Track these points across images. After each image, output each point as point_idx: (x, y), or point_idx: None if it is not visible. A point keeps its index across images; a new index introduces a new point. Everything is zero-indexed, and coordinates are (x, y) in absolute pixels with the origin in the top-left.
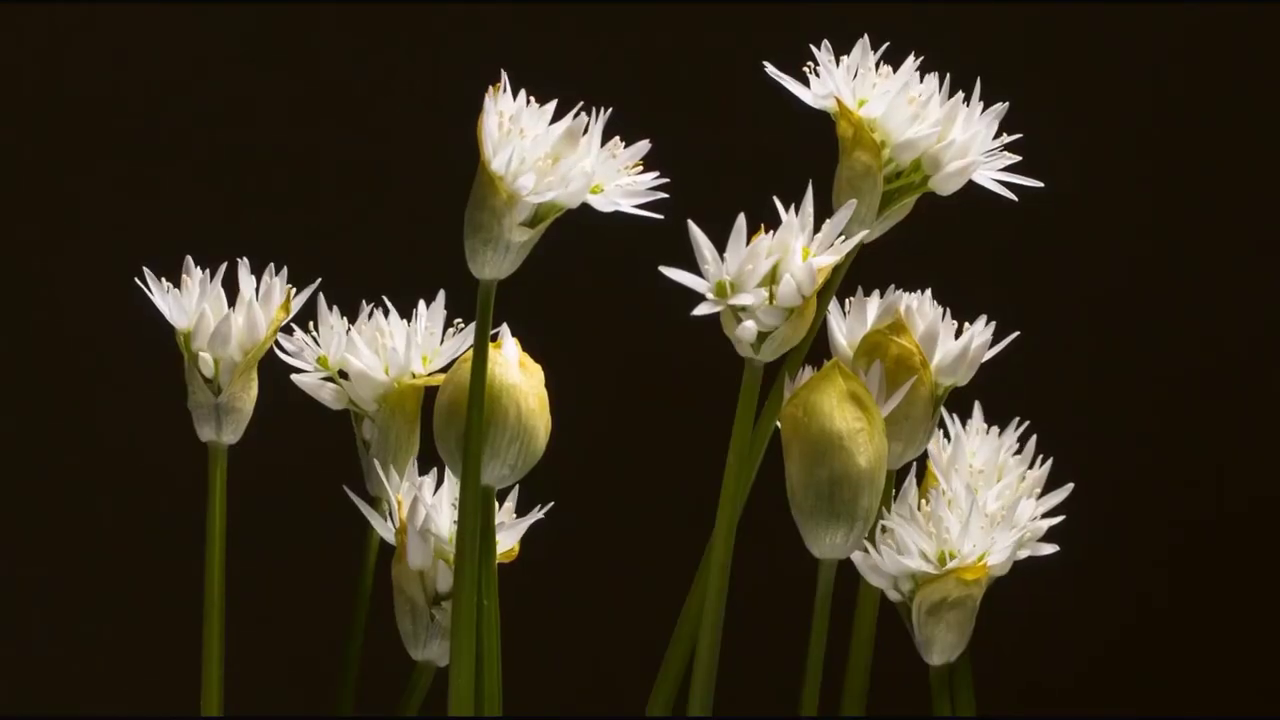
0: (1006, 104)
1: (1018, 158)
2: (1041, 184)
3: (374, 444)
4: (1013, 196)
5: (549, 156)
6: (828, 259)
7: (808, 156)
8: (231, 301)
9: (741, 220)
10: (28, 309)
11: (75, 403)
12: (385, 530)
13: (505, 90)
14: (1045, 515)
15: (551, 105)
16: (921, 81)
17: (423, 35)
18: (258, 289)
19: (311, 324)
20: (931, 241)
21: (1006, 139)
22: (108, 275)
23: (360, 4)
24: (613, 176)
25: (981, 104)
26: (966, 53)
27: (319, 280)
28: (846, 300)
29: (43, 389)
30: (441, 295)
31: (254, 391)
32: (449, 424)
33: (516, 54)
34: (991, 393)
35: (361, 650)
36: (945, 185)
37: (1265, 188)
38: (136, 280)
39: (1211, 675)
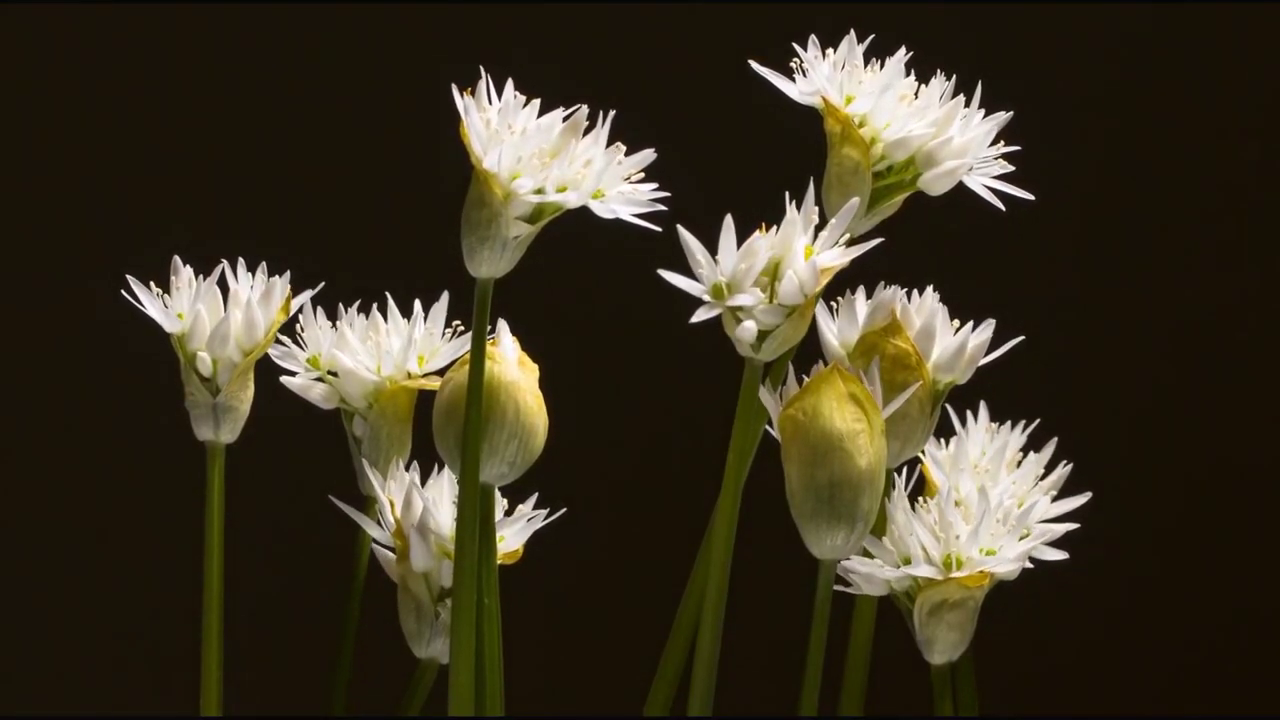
0: (1010, 114)
1: (1011, 167)
2: (1032, 197)
3: (365, 443)
4: (1000, 205)
5: (546, 152)
6: (833, 259)
7: (799, 153)
8: (227, 301)
9: (730, 221)
10: (26, 308)
11: (73, 402)
12: (378, 532)
13: (489, 89)
14: (1059, 519)
15: (537, 101)
16: (908, 76)
17: (423, 34)
18: (252, 288)
19: (298, 327)
20: (917, 239)
21: (1004, 148)
22: (105, 274)
23: (359, 3)
24: (615, 183)
25: (983, 111)
26: (967, 50)
27: (322, 284)
28: (834, 300)
29: (41, 388)
30: (445, 297)
31: (251, 391)
32: (448, 422)
33: (513, 53)
34: (990, 394)
35: (354, 648)
36: (936, 185)
37: (1267, 185)
38: (124, 293)
39: (1213, 674)
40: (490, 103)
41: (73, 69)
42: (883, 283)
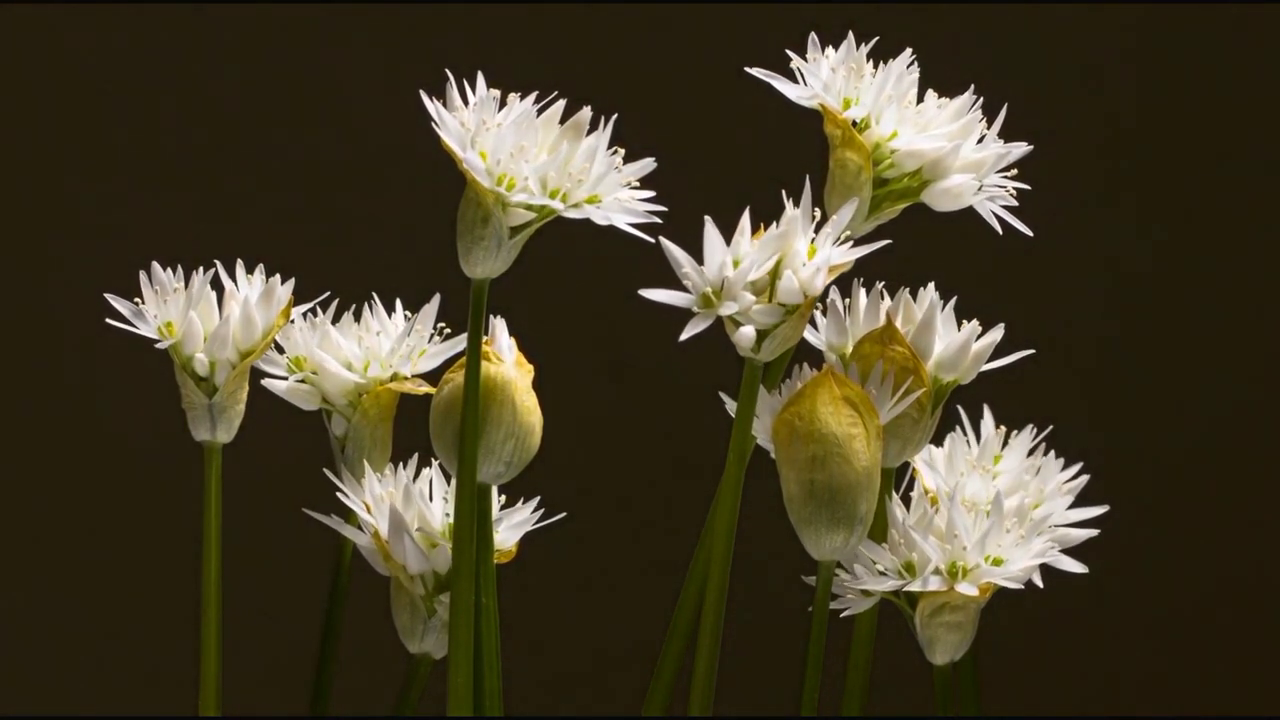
0: (1029, 147)
1: (1015, 202)
2: (1030, 232)
3: (347, 443)
4: (999, 228)
5: (527, 148)
6: (840, 256)
7: (791, 153)
8: (223, 303)
9: (712, 226)
10: (24, 309)
11: (71, 401)
12: (358, 536)
13: (461, 89)
14: (1077, 525)
15: (514, 95)
16: (915, 77)
17: (420, 35)
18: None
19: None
20: (919, 243)
21: (1015, 180)
22: (103, 274)
23: (357, 4)
24: (612, 189)
25: (1001, 140)
26: (977, 53)
27: (326, 294)
28: (818, 304)
29: (39, 388)
30: (437, 299)
31: (246, 390)
32: (446, 422)
33: (509, 52)
34: (991, 398)
35: (343, 646)
36: (939, 202)
37: (1272, 188)
38: (109, 320)
39: (1215, 675)
40: (466, 102)
41: (66, 70)
42: (857, 280)
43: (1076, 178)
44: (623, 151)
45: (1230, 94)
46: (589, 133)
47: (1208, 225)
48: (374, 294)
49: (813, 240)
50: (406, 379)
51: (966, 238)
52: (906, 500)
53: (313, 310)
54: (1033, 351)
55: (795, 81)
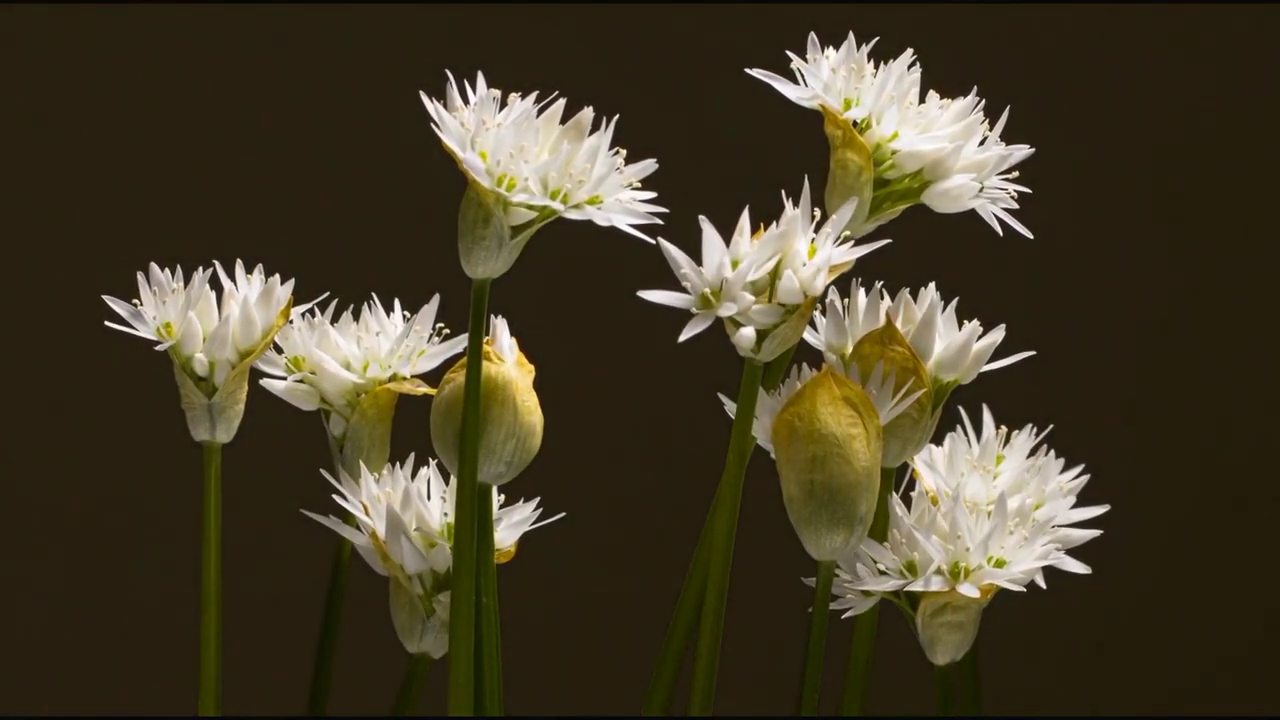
0: (1031, 150)
1: (1016, 205)
2: (1030, 235)
3: (345, 444)
4: (999, 230)
5: (529, 149)
6: (840, 256)
7: (787, 153)
8: (222, 303)
9: (709, 227)
10: (24, 309)
11: (70, 401)
12: (356, 536)
13: (462, 89)
14: (1079, 525)
15: (515, 95)
16: (915, 75)
17: (420, 34)
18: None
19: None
20: (919, 245)
21: (1016, 184)
22: (103, 274)
23: (357, 4)
24: (614, 190)
25: (1003, 142)
26: (984, 57)
27: (326, 294)
28: (818, 304)
29: (38, 389)
30: (436, 299)
31: (246, 390)
32: (447, 422)
33: (509, 52)
34: (991, 398)
35: (342, 646)
36: (940, 203)
37: (1274, 185)
38: (108, 323)
39: (1215, 675)
40: (466, 102)
41: (63, 70)
42: (857, 280)
43: (1077, 178)
44: (624, 152)
45: (1231, 92)
46: (590, 133)
47: (1208, 224)
48: (373, 294)
49: (813, 240)
50: (405, 379)
51: (966, 238)
52: (906, 500)
53: (312, 310)
54: (1033, 352)
55: (795, 82)
